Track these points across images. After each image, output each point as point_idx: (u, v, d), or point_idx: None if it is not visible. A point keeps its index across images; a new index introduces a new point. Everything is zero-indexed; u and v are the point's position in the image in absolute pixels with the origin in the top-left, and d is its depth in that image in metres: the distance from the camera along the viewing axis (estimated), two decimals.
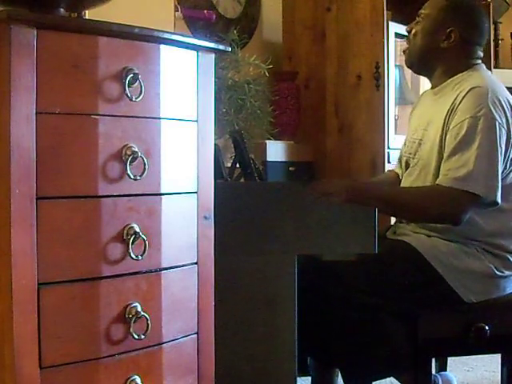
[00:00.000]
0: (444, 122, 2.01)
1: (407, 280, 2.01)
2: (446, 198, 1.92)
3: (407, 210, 2.01)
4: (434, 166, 2.03)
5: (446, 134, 2.00)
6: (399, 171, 2.38)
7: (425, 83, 3.55)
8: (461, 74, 2.09)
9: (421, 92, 3.57)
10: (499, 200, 1.93)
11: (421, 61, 2.15)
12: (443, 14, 2.11)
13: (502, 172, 1.98)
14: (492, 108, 1.94)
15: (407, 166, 2.21)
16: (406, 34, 2.27)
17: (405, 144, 2.34)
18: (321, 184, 1.92)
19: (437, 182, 1.96)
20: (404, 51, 2.21)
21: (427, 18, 2.13)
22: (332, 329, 2.03)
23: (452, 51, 2.10)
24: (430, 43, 2.11)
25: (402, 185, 2.22)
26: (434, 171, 2.02)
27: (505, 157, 1.97)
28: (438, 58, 2.12)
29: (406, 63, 2.22)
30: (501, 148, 1.95)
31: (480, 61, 2.15)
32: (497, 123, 1.94)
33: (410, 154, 2.19)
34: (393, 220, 2.75)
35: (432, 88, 2.20)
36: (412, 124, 2.28)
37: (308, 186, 1.88)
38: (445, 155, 1.98)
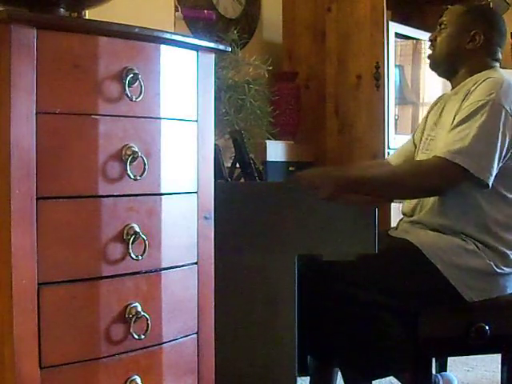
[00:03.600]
0: (458, 108, 2.05)
1: (408, 277, 2.01)
2: (436, 168, 1.95)
3: (398, 186, 2.01)
4: None
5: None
6: (394, 161, 2.39)
7: (425, 83, 3.57)
8: (480, 74, 2.14)
9: (421, 92, 3.60)
10: (490, 183, 1.94)
11: (447, 64, 2.23)
12: (465, 18, 2.20)
13: (507, 161, 1.99)
14: (502, 96, 1.98)
15: None
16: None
17: (413, 136, 2.37)
18: (306, 176, 1.92)
19: (434, 154, 1.99)
20: (428, 57, 2.28)
21: (450, 25, 2.21)
22: (332, 328, 2.04)
23: (477, 52, 2.18)
24: (456, 47, 2.20)
25: None
26: None
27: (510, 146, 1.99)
28: (463, 59, 2.20)
29: (430, 67, 2.28)
30: (504, 135, 1.96)
31: (499, 63, 2.22)
32: (504, 110, 1.97)
33: (426, 150, 2.21)
34: (393, 220, 2.76)
35: (452, 89, 2.25)
36: (428, 123, 2.30)
37: (293, 178, 1.88)
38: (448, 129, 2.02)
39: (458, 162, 1.90)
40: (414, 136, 2.39)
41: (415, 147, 2.33)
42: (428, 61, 2.29)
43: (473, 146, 1.92)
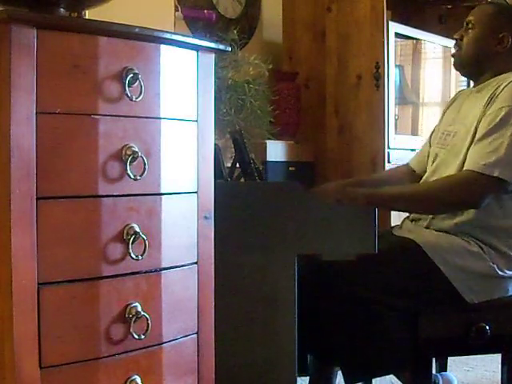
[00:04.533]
0: (482, 111, 2.05)
1: (409, 277, 2.01)
2: (470, 183, 1.94)
3: (429, 202, 2.02)
4: (465, 151, 2.04)
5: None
6: (417, 166, 2.38)
7: (425, 83, 3.56)
8: (506, 74, 2.13)
9: (421, 92, 3.60)
10: None
11: (474, 66, 2.21)
12: (494, 20, 2.17)
13: None
14: None
15: (436, 157, 2.21)
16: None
17: (430, 137, 2.36)
18: (334, 192, 1.94)
19: (466, 167, 1.98)
20: (453, 55, 2.25)
21: (478, 25, 2.18)
22: (332, 327, 2.03)
23: (504, 55, 2.16)
24: (483, 49, 2.17)
25: (430, 173, 2.22)
26: (464, 156, 2.04)
27: None
28: (490, 61, 2.18)
29: (455, 66, 2.27)
30: None
31: None
32: None
33: (442, 145, 2.20)
34: (393, 219, 2.75)
35: (474, 86, 2.24)
36: (445, 118, 2.30)
37: (317, 192, 1.89)
38: (475, 139, 2.00)
39: (497, 175, 1.91)
40: (430, 137, 2.37)
41: None
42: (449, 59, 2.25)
43: (508, 156, 1.93)
